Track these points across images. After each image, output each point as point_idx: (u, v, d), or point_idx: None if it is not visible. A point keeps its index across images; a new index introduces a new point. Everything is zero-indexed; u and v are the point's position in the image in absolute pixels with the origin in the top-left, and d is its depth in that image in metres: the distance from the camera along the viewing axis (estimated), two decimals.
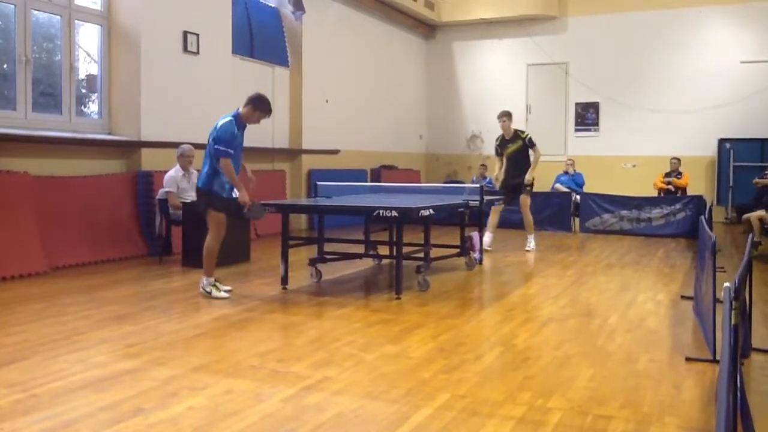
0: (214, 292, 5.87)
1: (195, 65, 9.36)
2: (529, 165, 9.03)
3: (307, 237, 9.17)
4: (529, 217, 9.18)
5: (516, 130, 9.14)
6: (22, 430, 2.99)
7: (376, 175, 13.67)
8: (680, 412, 3.27)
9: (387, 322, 5.07)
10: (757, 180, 10.76)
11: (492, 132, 15.69)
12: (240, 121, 5.86)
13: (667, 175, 12.80)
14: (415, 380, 3.71)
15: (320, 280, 6.73)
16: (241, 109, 5.91)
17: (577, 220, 11.97)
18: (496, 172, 9.29)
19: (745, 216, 9.47)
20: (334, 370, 3.88)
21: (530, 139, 9.05)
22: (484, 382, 3.69)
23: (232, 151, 5.71)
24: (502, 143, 9.20)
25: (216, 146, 5.71)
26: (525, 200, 9.10)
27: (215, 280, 5.94)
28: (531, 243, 9.21)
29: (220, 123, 5.80)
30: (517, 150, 9.08)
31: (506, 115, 9.05)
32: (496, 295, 6.41)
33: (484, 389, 3.58)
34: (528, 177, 8.96)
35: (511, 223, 11.01)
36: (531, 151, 9.06)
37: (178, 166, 7.91)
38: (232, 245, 6.62)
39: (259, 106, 5.88)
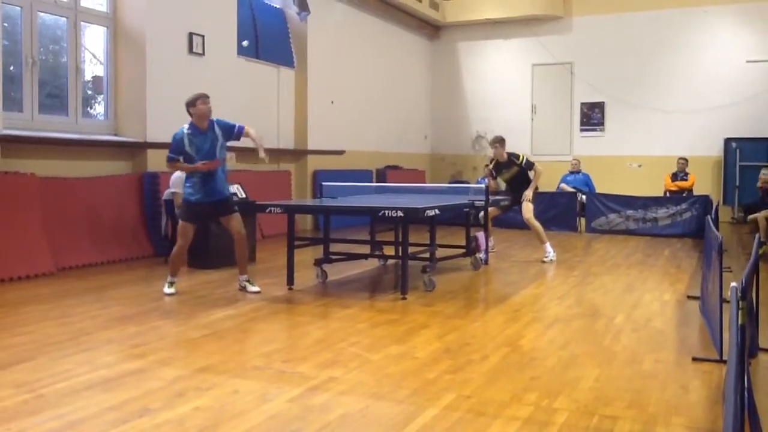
0: (166, 288, 6.12)
1: (200, 66, 9.38)
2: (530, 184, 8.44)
3: (312, 237, 9.16)
4: (536, 225, 8.28)
5: (510, 155, 8.42)
6: (29, 430, 3.00)
7: (382, 175, 13.66)
8: (687, 413, 3.26)
9: (392, 323, 5.07)
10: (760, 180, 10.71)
11: (496, 132, 15.82)
12: (193, 127, 6.10)
13: (674, 175, 12.77)
14: (420, 380, 3.71)
15: (326, 281, 6.73)
16: None
17: (582, 220, 11.94)
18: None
19: (752, 216, 9.44)
20: (339, 370, 3.88)
21: (527, 162, 8.42)
22: (489, 383, 3.68)
23: (175, 155, 6.03)
24: (497, 167, 8.61)
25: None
26: (527, 208, 8.29)
27: (171, 280, 6.18)
28: (549, 253, 8.25)
29: None
30: (513, 176, 8.51)
31: (498, 142, 8.41)
32: (502, 295, 6.40)
33: (490, 389, 3.57)
34: (527, 193, 8.33)
35: (516, 223, 11.02)
36: (530, 172, 8.46)
37: None
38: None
39: (188, 104, 6.17)
